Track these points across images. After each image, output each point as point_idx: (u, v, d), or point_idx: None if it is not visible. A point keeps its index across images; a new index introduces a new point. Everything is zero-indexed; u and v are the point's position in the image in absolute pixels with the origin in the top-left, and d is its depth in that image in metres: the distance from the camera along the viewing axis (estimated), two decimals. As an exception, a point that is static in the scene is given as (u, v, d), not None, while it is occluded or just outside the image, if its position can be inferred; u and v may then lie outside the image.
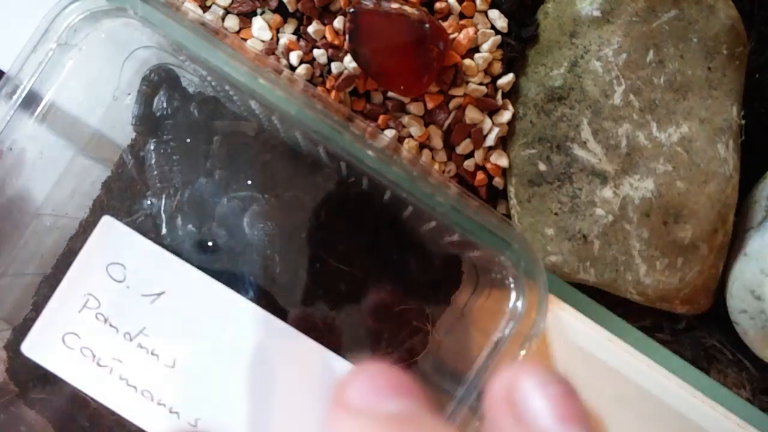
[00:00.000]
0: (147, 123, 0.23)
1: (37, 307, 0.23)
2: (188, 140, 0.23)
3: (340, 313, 0.21)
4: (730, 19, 0.34)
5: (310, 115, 0.23)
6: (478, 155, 0.35)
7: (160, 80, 0.24)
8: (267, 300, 0.21)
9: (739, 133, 0.35)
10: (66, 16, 0.22)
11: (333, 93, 0.33)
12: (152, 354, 0.21)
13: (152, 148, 0.23)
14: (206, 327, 0.21)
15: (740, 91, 0.35)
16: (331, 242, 0.22)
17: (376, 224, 0.21)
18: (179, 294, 0.21)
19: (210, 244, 0.22)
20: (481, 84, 0.34)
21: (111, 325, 0.21)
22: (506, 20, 0.34)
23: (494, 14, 0.34)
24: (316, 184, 0.23)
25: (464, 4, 0.34)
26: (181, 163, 0.23)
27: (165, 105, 0.23)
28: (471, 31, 0.34)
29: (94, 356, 0.22)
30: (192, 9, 0.33)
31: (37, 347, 0.22)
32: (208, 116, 0.23)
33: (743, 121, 0.35)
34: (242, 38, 0.34)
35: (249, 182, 0.22)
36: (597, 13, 0.33)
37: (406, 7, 0.32)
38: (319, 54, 0.33)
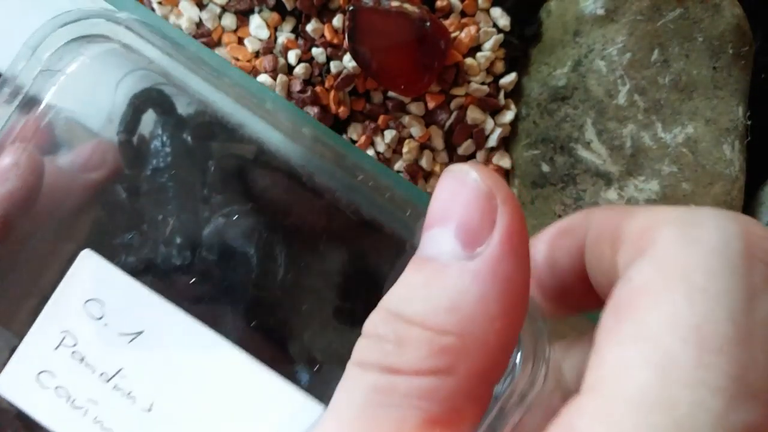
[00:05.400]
0: (135, 149, 0.22)
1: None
2: (182, 166, 0.22)
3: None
4: (736, 17, 0.34)
5: (297, 148, 0.21)
6: (480, 156, 0.34)
7: (151, 103, 0.22)
8: (253, 342, 0.20)
9: (745, 134, 0.34)
10: (59, 35, 0.21)
11: (332, 92, 0.32)
12: (129, 396, 0.20)
13: (142, 175, 0.22)
14: (185, 369, 0.20)
15: (746, 91, 0.34)
16: (332, 275, 0.21)
17: (379, 255, 0.20)
18: (158, 334, 0.20)
19: (199, 277, 0.21)
20: (483, 83, 0.34)
21: (87, 365, 0.20)
22: (508, 18, 0.34)
23: (496, 12, 0.34)
24: (315, 211, 0.22)
25: (465, 2, 0.33)
26: (173, 190, 0.21)
27: (157, 130, 0.22)
28: (473, 29, 0.33)
29: (69, 397, 0.21)
30: (188, 8, 0.33)
31: (11, 385, 0.21)
32: (204, 140, 0.22)
33: (749, 122, 0.34)
34: (239, 37, 0.33)
35: (246, 208, 0.21)
36: (601, 12, 0.33)
37: (407, 5, 0.32)
38: (318, 53, 0.32)
